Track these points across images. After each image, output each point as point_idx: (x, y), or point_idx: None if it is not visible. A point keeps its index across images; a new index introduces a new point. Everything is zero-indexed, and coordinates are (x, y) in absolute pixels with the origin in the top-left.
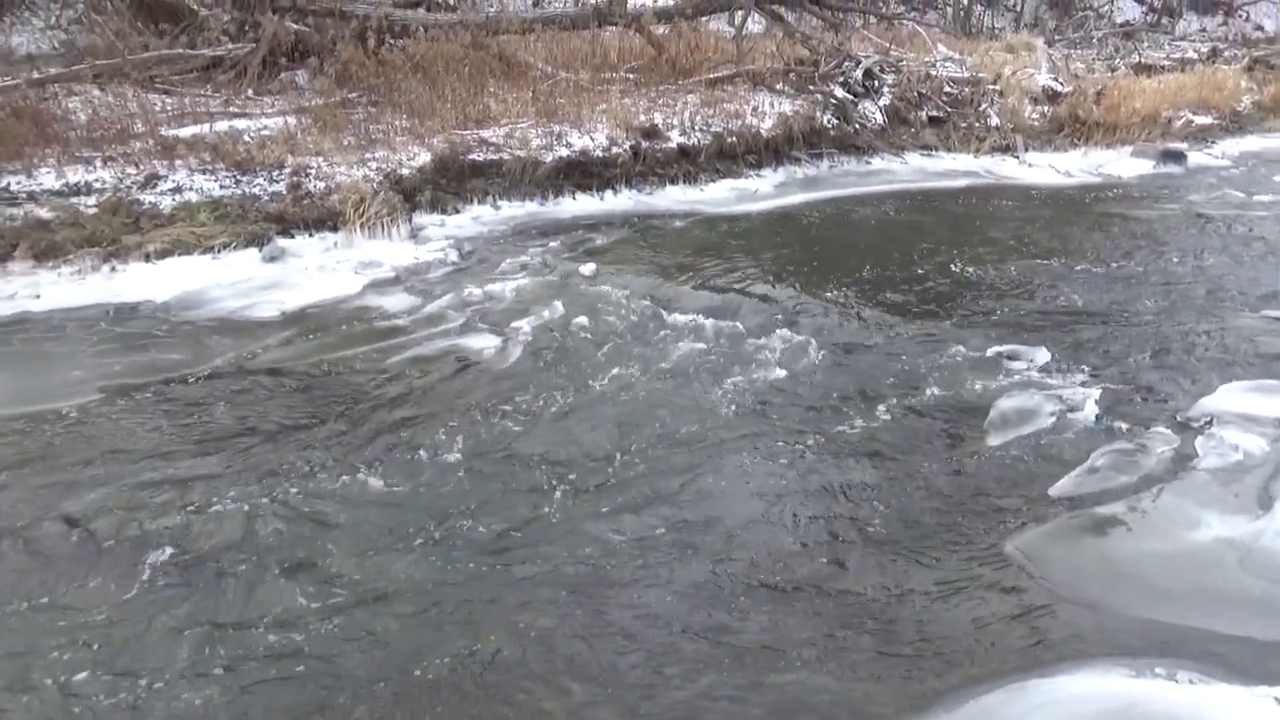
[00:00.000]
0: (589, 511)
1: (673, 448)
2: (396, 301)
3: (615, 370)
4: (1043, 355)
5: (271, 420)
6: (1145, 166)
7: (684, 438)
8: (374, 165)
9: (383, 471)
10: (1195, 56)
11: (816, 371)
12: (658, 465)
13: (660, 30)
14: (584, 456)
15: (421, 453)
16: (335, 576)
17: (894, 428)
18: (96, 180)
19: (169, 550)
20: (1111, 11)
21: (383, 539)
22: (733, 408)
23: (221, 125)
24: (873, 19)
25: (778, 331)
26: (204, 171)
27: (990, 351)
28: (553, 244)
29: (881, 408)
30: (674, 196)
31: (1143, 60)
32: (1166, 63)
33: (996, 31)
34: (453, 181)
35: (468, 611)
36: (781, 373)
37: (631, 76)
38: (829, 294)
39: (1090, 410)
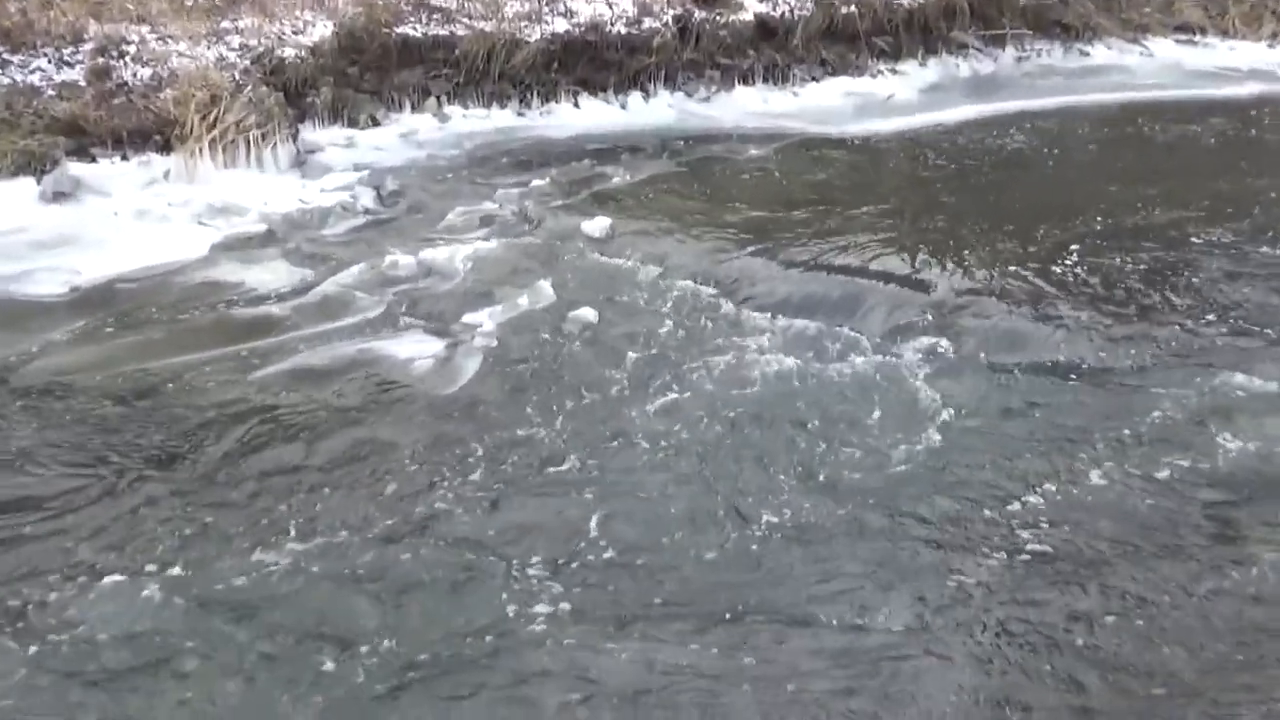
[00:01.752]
0: (568, 671)
1: (730, 551)
2: (268, 274)
3: (638, 406)
4: None
5: (47, 471)
6: None
7: (751, 531)
8: (235, 41)
9: (226, 567)
10: None
11: (987, 413)
12: (702, 584)
13: None
14: (570, 562)
15: (293, 536)
16: None
17: (1121, 514)
18: None
19: None
20: None
21: (214, 679)
22: (840, 479)
23: None
24: None
25: (920, 341)
26: None
27: None
28: (538, 181)
29: (1099, 478)
30: (746, 105)
31: None
32: None
33: None
34: (369, 72)
35: None
36: (927, 414)
37: None
38: (1008, 278)
39: None
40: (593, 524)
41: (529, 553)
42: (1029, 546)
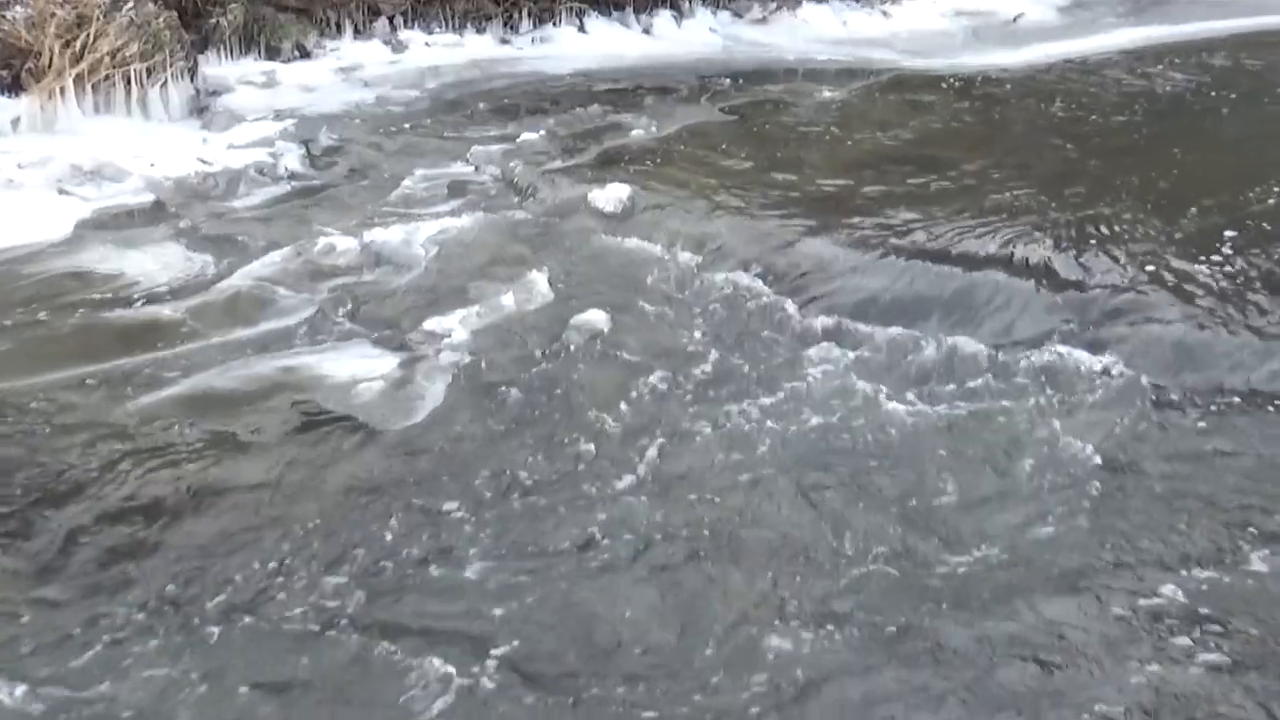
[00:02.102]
0: None
1: (722, 679)
2: (155, 262)
3: (647, 459)
4: None
5: None
6: None
7: (760, 656)
8: None
9: (46, 672)
10: None
11: (1150, 462)
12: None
13: None
14: (565, 673)
15: (130, 632)
16: None
17: None
18: None
19: None
20: None
21: None
22: (925, 567)
23: None
24: None
25: (1055, 358)
26: None
27: None
28: (528, 135)
29: None
30: (817, 28)
31: None
32: None
33: None
34: None
35: None
36: (1064, 467)
37: None
38: (1177, 269)
39: None
40: (515, 642)
41: (512, 620)
42: (1200, 658)
